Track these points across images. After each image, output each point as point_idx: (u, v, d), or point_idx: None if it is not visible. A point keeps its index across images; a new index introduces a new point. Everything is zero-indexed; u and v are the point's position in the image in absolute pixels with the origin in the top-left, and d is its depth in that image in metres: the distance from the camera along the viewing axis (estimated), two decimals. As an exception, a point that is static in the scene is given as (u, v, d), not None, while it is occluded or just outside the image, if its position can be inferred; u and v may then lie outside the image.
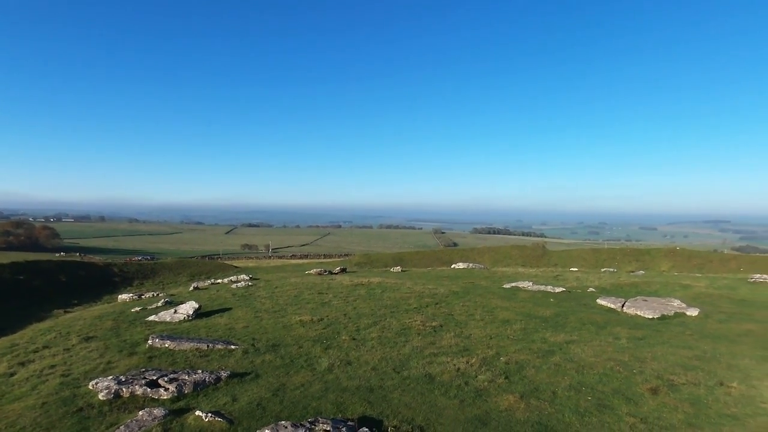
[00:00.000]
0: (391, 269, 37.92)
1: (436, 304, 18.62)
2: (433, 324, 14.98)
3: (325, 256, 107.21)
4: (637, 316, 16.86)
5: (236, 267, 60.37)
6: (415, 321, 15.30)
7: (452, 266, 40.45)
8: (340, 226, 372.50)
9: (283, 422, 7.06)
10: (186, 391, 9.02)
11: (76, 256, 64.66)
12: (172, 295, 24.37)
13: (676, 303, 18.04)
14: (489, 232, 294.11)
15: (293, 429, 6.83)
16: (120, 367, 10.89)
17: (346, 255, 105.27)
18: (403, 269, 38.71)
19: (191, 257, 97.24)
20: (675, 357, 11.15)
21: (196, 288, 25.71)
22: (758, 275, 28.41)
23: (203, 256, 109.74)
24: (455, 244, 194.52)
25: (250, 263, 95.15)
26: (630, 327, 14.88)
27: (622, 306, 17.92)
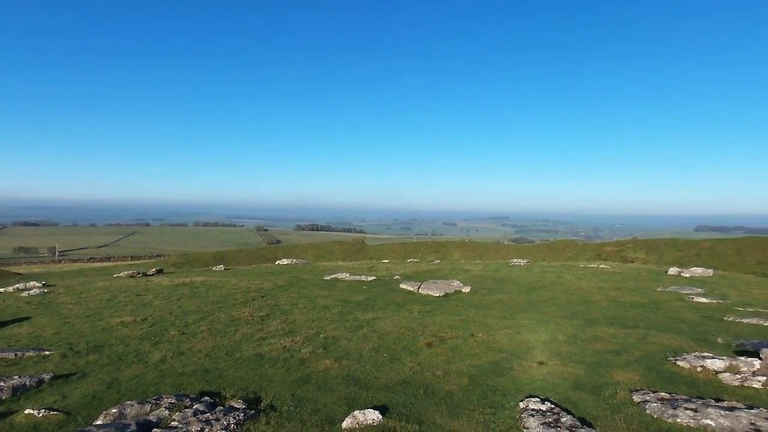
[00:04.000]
0: (214, 268, 37.36)
1: (263, 297, 19.99)
2: (261, 314, 16.42)
3: (132, 258, 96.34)
4: (428, 295, 21.02)
5: (18, 274, 50.76)
6: (243, 313, 16.52)
7: (276, 262, 41.73)
8: (148, 224, 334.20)
9: (128, 401, 7.89)
10: (4, 397, 8.84)
11: None
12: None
13: (456, 283, 22.95)
14: (312, 229, 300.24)
15: (139, 406, 7.75)
16: None
17: (159, 256, 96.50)
18: (227, 268, 38.48)
19: (-59, 265, 76.90)
20: (448, 321, 14.90)
21: (-29, 299, 21.82)
22: (516, 260, 36.91)
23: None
24: (279, 241, 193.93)
25: (35, 269, 79.94)
26: (422, 304, 18.70)
27: (418, 288, 22.01)
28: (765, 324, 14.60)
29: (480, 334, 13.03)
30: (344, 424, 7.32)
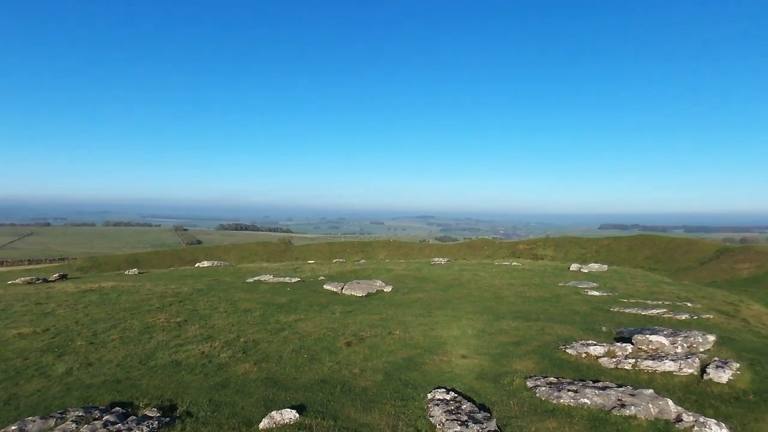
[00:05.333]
0: (126, 272, 35.19)
1: (180, 302, 19.36)
2: (178, 320, 15.97)
3: (30, 262, 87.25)
4: (351, 295, 21.52)
5: None
6: (159, 319, 15.97)
7: (196, 265, 40.11)
8: (48, 224, 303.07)
9: (29, 417, 7.55)
10: None
11: None
12: None
13: (379, 283, 23.70)
14: (236, 229, 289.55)
15: (42, 421, 7.45)
16: None
17: (62, 259, 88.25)
18: (141, 271, 36.41)
19: None
20: (368, 320, 15.49)
21: None
22: (437, 259, 38.56)
23: None
24: (199, 242, 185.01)
25: None
26: (345, 304, 19.16)
27: (342, 289, 22.44)
28: (642, 313, 16.75)
29: (397, 332, 13.74)
30: (261, 425, 7.58)
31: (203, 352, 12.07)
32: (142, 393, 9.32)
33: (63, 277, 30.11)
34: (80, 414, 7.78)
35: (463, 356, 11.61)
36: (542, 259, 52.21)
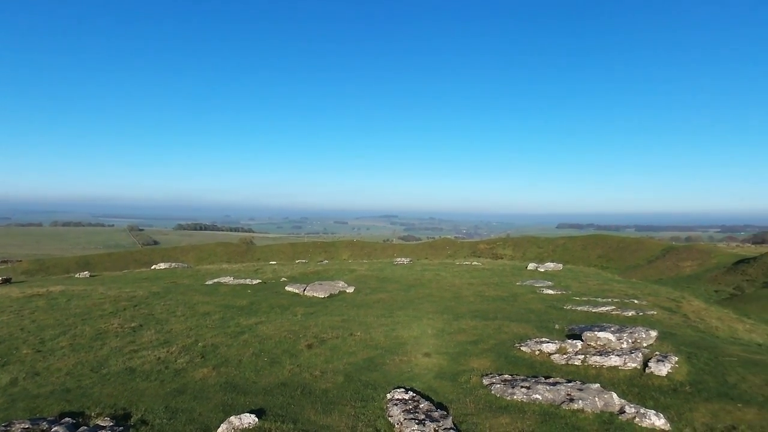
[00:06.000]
0: (77, 275, 33.62)
1: (135, 306, 18.75)
2: (132, 325, 15.49)
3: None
4: (313, 296, 21.47)
5: None
6: (112, 324, 15.43)
7: (153, 267, 38.81)
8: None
9: (-30, 433, 7.20)
10: None
11: None
12: None
13: (341, 284, 23.74)
14: (195, 228, 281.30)
15: (-15, 435, 7.13)
16: None
17: (5, 262, 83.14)
18: (93, 274, 34.87)
19: None
20: (330, 322, 15.53)
21: None
22: (399, 259, 38.93)
23: None
24: (156, 243, 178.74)
25: None
26: (306, 306, 19.11)
27: (304, 290, 22.34)
28: (593, 311, 17.58)
29: (359, 333, 13.86)
30: (219, 431, 7.53)
31: (159, 357, 11.80)
32: (94, 402, 9.04)
33: (6, 281, 28.49)
34: (26, 426, 7.49)
35: (423, 356, 11.86)
36: (502, 258, 53.65)
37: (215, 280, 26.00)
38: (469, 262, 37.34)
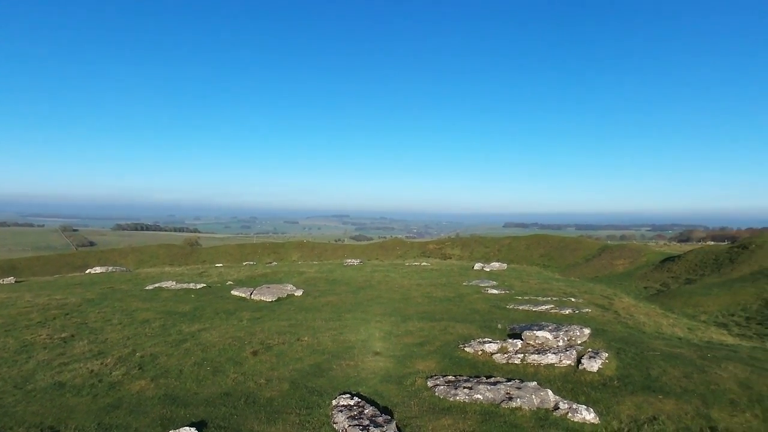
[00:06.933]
0: (1, 281, 31.12)
1: (67, 315, 17.63)
2: (63, 335, 14.58)
3: None
4: (260, 300, 21.05)
5: None
6: (40, 335, 14.46)
7: (88, 271, 36.61)
8: None
9: None
10: None
11: None
12: None
13: (289, 287, 23.43)
14: (136, 229, 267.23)
15: None
16: None
17: None
18: (19, 280, 32.42)
19: None
20: (277, 327, 15.31)
21: None
22: (350, 260, 38.92)
23: None
24: (92, 244, 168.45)
25: None
26: (253, 310, 18.72)
27: (251, 294, 21.86)
28: (533, 309, 18.39)
29: (306, 338, 13.76)
30: (156, 447, 7.26)
31: (92, 370, 11.18)
32: (18, 421, 8.44)
33: None
34: (-63, 453, 6.88)
35: (370, 359, 11.96)
36: (450, 258, 54.88)
37: (156, 285, 24.91)
38: (418, 263, 37.93)
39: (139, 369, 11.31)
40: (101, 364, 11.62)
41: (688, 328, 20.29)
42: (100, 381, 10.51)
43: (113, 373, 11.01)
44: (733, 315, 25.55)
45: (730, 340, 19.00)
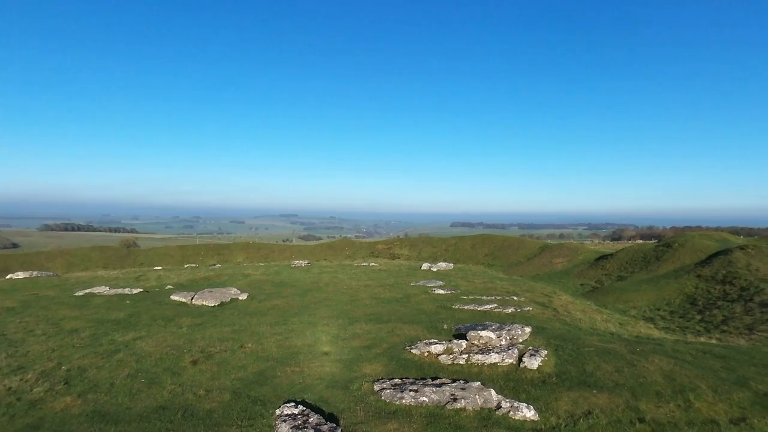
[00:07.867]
0: None
1: (-19, 325, 16.12)
2: (-23, 349, 13.28)
3: None
4: (202, 305, 20.22)
5: None
6: (-51, 350, 13.09)
7: (8, 276, 33.64)
8: None
9: None
10: None
11: None
12: None
13: (233, 291, 22.67)
14: (66, 229, 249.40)
15: None
16: None
17: None
18: (-74, 287, 29.27)
19: None
20: (219, 333, 14.73)
21: None
22: (297, 261, 38.29)
23: None
24: (15, 246, 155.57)
25: None
26: (194, 316, 17.93)
27: (192, 299, 20.95)
28: (478, 309, 18.84)
29: (250, 345, 13.34)
30: (82, 470, 6.74)
31: (10, 387, 10.25)
32: None
33: None
34: None
35: (316, 365, 11.76)
36: (398, 258, 55.34)
37: (87, 291, 23.31)
38: (367, 264, 37.92)
39: (64, 384, 10.49)
40: (21, 380, 10.68)
41: (620, 324, 21.55)
42: (18, 399, 9.64)
43: (34, 389, 10.14)
44: (659, 309, 27.47)
45: (656, 333, 20.37)
